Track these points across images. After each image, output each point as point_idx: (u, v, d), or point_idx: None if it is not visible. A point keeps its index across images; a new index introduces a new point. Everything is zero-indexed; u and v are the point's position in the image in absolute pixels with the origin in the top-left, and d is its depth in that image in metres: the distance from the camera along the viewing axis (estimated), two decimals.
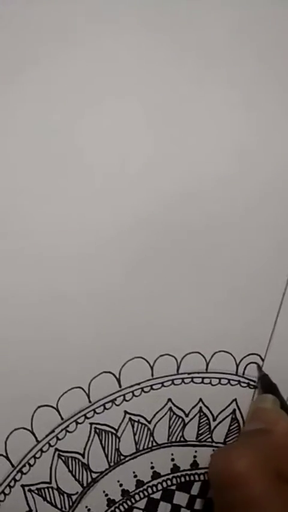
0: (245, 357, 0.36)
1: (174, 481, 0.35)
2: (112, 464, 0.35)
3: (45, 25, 0.35)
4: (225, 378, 0.36)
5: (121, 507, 0.35)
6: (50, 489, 0.34)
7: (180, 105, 0.36)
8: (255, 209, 0.37)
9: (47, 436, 0.34)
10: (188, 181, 0.36)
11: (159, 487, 0.35)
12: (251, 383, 0.36)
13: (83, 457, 0.35)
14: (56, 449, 0.34)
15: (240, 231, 0.37)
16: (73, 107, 0.35)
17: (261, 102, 0.37)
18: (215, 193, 0.37)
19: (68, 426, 0.35)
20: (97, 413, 0.35)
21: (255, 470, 0.29)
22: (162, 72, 0.36)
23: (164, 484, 0.35)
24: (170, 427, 0.36)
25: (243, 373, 0.36)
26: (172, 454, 0.36)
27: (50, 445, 0.34)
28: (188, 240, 0.36)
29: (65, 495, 0.34)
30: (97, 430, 0.35)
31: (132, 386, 0.35)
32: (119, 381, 0.35)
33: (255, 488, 0.28)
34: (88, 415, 0.35)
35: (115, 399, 0.35)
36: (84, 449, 0.35)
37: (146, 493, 0.35)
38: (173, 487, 0.35)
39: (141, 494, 0.35)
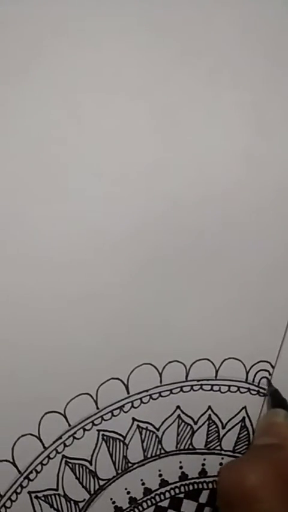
0: (255, 364, 0.36)
1: (182, 489, 0.35)
2: (120, 471, 0.35)
3: (49, 24, 0.35)
4: (235, 386, 0.36)
5: None
6: (57, 496, 0.34)
7: (188, 107, 0.36)
8: (266, 213, 0.37)
9: (54, 442, 0.34)
10: (197, 184, 0.36)
11: (167, 495, 0.35)
12: (261, 391, 0.36)
13: (91, 464, 0.34)
14: (63, 456, 0.34)
15: (250, 234, 0.37)
16: (79, 109, 0.35)
17: (271, 104, 0.37)
18: (224, 196, 0.36)
19: (75, 433, 0.34)
20: (105, 420, 0.35)
21: (266, 486, 0.28)
22: (170, 74, 0.36)
23: (172, 492, 0.35)
24: (178, 435, 0.35)
25: (253, 381, 0.36)
26: (180, 462, 0.35)
27: (57, 452, 0.34)
28: (196, 244, 0.36)
29: (72, 502, 0.34)
30: (105, 437, 0.34)
31: (140, 393, 0.35)
32: (127, 387, 0.35)
33: (266, 505, 0.28)
34: (96, 422, 0.34)
35: (123, 406, 0.35)
36: (92, 456, 0.34)
37: (153, 501, 0.35)
38: (181, 495, 0.35)
39: (148, 502, 0.35)
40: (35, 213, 0.34)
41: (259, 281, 0.36)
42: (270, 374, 0.36)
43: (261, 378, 0.36)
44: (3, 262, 0.34)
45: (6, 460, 0.34)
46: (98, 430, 0.34)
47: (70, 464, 0.34)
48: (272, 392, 0.35)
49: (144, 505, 0.35)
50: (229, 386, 0.36)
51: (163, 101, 0.36)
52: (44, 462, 0.34)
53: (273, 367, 0.36)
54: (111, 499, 0.34)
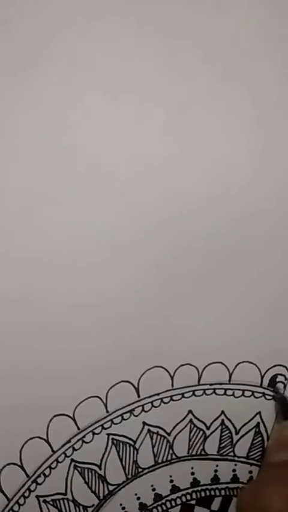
0: (270, 368, 0.35)
1: (193, 495, 0.34)
2: (130, 476, 0.34)
3: (58, 20, 0.34)
4: (249, 390, 0.35)
5: None
6: (66, 500, 0.33)
7: (201, 106, 0.35)
8: (280, 213, 0.36)
9: (63, 446, 0.33)
10: (209, 184, 0.35)
11: (178, 501, 0.34)
12: (275, 400, 0.35)
13: (100, 469, 0.34)
14: (72, 460, 0.34)
15: (265, 234, 0.35)
16: (90, 108, 0.34)
17: (285, 103, 0.36)
18: (237, 196, 0.35)
19: (84, 436, 0.34)
20: (115, 423, 0.34)
21: None
22: (184, 71, 0.35)
23: (183, 499, 0.34)
24: (190, 440, 0.34)
25: (268, 385, 0.35)
26: (192, 468, 0.34)
27: (65, 456, 0.33)
28: (210, 245, 0.35)
29: (81, 507, 0.33)
30: (114, 441, 0.34)
31: (151, 396, 0.34)
32: (137, 390, 0.34)
33: None
34: (105, 426, 0.34)
35: (133, 410, 0.34)
36: (101, 460, 0.34)
37: (164, 507, 0.34)
38: (193, 502, 0.34)
39: (159, 508, 0.34)
40: (45, 215, 0.34)
41: (275, 282, 0.35)
42: (286, 378, 0.35)
43: (277, 383, 0.35)
44: (14, 267, 0.34)
45: (14, 464, 0.33)
46: (108, 434, 0.34)
47: (79, 469, 0.34)
48: (280, 399, 0.34)
49: (155, 511, 0.34)
50: (243, 390, 0.35)
51: (175, 99, 0.35)
52: (53, 466, 0.33)
53: None
54: (120, 504, 0.34)
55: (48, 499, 0.33)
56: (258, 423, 0.35)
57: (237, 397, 0.35)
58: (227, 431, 0.35)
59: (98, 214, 0.34)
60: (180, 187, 0.35)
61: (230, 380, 0.35)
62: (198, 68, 0.35)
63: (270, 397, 0.35)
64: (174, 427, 0.34)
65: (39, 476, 0.33)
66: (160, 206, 0.35)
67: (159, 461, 0.34)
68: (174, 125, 0.35)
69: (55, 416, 0.33)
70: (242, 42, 0.35)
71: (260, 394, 0.35)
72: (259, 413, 0.35)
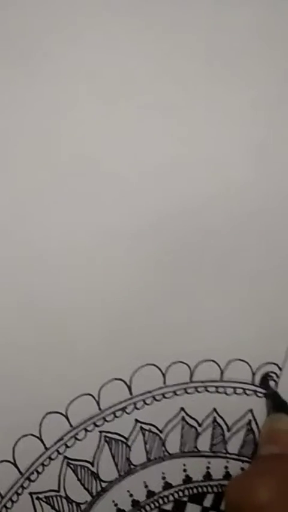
0: (261, 366, 0.35)
1: (186, 492, 0.34)
2: (122, 473, 0.34)
3: (56, 21, 0.34)
4: (241, 388, 0.35)
5: None
6: (59, 497, 0.34)
7: (200, 106, 0.35)
8: (279, 213, 0.36)
9: (55, 443, 0.34)
10: (209, 184, 0.35)
11: (171, 498, 0.34)
12: (266, 396, 0.35)
13: (93, 466, 0.34)
14: (65, 457, 0.34)
15: (262, 235, 0.36)
16: (89, 108, 0.34)
17: (284, 103, 0.36)
18: (237, 196, 0.35)
19: (77, 434, 0.34)
20: (107, 421, 0.34)
21: (278, 500, 0.28)
22: (182, 72, 0.35)
23: (176, 495, 0.34)
24: (182, 437, 0.35)
25: (260, 383, 0.35)
26: (184, 465, 0.35)
27: (58, 453, 0.34)
28: (205, 244, 0.35)
29: (74, 504, 0.34)
30: (107, 439, 0.34)
31: (143, 394, 0.34)
32: (129, 388, 0.34)
33: None
34: (98, 423, 0.34)
35: (126, 407, 0.34)
36: (94, 457, 0.34)
37: (156, 504, 0.34)
38: (185, 499, 0.34)
39: (151, 505, 0.34)
40: (44, 215, 0.34)
41: (267, 281, 0.35)
42: (277, 376, 0.35)
43: (269, 380, 0.35)
44: (9, 264, 0.34)
45: (7, 461, 0.33)
46: (100, 432, 0.34)
47: (72, 466, 0.34)
48: (271, 394, 0.34)
49: (148, 508, 0.34)
50: (235, 388, 0.35)
51: (174, 99, 0.35)
52: (46, 463, 0.34)
53: (280, 369, 0.35)
54: (113, 501, 0.34)
55: (41, 496, 0.33)
56: (250, 420, 0.35)
57: (229, 395, 0.35)
58: (219, 429, 0.35)
59: (97, 214, 0.34)
60: (179, 186, 0.35)
61: (221, 378, 0.35)
62: (197, 69, 0.35)
63: (262, 395, 0.35)
64: (166, 425, 0.34)
65: (32, 473, 0.33)
66: (159, 205, 0.35)
67: (152, 458, 0.34)
68: (173, 124, 0.35)
69: (48, 413, 0.34)
70: (241, 43, 0.35)
71: (252, 392, 0.35)
72: (251, 410, 0.35)
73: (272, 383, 0.35)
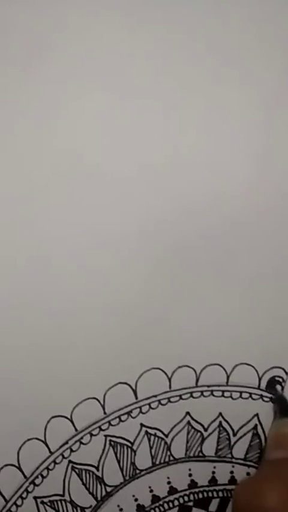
0: (268, 370, 0.35)
1: (191, 497, 0.34)
2: (127, 478, 0.34)
3: (57, 20, 0.34)
4: (247, 392, 0.35)
5: None
6: (63, 502, 0.33)
7: (199, 107, 0.35)
8: (279, 214, 0.36)
9: (60, 447, 0.33)
10: (208, 185, 0.35)
11: (176, 502, 0.34)
12: (273, 400, 0.35)
13: (98, 470, 0.34)
14: (70, 461, 0.34)
15: (264, 236, 0.35)
16: (89, 109, 0.34)
17: (283, 105, 0.35)
18: (236, 197, 0.35)
19: (82, 438, 0.34)
20: (112, 425, 0.34)
21: (286, 504, 0.27)
22: (182, 73, 0.35)
23: (181, 500, 0.34)
24: (187, 442, 0.34)
25: (266, 387, 0.35)
26: (190, 470, 0.34)
27: (63, 457, 0.33)
28: (207, 246, 0.35)
29: (78, 508, 0.34)
30: (112, 443, 0.34)
31: (149, 398, 0.34)
32: (135, 392, 0.34)
33: None
34: (103, 427, 0.34)
35: (131, 411, 0.34)
36: (99, 462, 0.34)
37: (162, 509, 0.34)
38: (190, 503, 0.34)
39: (157, 509, 0.34)
40: (45, 217, 0.34)
41: (273, 284, 0.35)
42: (284, 380, 0.35)
43: (276, 384, 0.35)
44: (11, 266, 0.34)
45: (12, 465, 0.33)
46: (105, 436, 0.34)
47: (76, 470, 0.34)
48: (278, 399, 0.34)
49: None
50: (241, 392, 0.35)
51: (175, 100, 0.35)
52: (50, 467, 0.33)
53: (287, 373, 0.35)
54: (118, 506, 0.34)
55: (45, 500, 0.33)
56: (256, 425, 0.35)
57: (235, 399, 0.35)
58: (225, 433, 0.35)
59: (97, 215, 0.34)
60: (179, 188, 0.35)
61: (227, 382, 0.35)
62: (198, 69, 0.35)
63: (268, 399, 0.35)
64: (171, 429, 0.34)
65: (36, 477, 0.33)
66: (160, 207, 0.35)
67: (157, 462, 0.34)
68: (174, 126, 0.35)
69: (53, 417, 0.33)
70: (242, 44, 0.35)
71: (258, 396, 0.35)
72: (257, 415, 0.35)
73: (278, 387, 0.35)
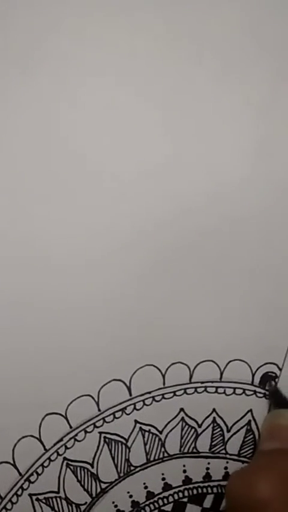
0: (261, 366, 0.35)
1: (186, 493, 0.34)
2: (122, 474, 0.34)
3: (55, 20, 0.34)
4: (240, 388, 0.35)
5: None
6: (58, 499, 0.34)
7: (197, 105, 0.35)
8: (276, 212, 0.36)
9: (55, 444, 0.34)
10: (206, 184, 0.35)
11: (171, 499, 0.34)
12: (268, 393, 0.35)
13: (92, 467, 0.34)
14: (65, 458, 0.34)
15: (259, 234, 0.36)
16: (87, 109, 0.34)
17: (281, 102, 0.36)
18: (234, 195, 0.35)
19: (76, 435, 0.34)
20: (106, 422, 0.34)
21: (278, 495, 0.28)
22: (181, 72, 0.35)
23: (176, 496, 0.34)
24: (182, 438, 0.34)
25: (260, 382, 0.35)
26: (184, 466, 0.35)
27: (58, 454, 0.34)
28: (203, 244, 0.35)
29: (74, 505, 0.34)
30: (106, 440, 0.34)
31: (143, 395, 0.34)
32: (129, 389, 0.34)
33: None
34: (97, 424, 0.34)
35: (125, 408, 0.34)
36: (93, 458, 0.34)
37: (156, 505, 0.34)
38: (185, 499, 0.34)
39: (151, 506, 0.34)
40: (44, 216, 0.34)
41: (266, 281, 0.35)
42: (277, 376, 0.35)
43: (269, 379, 0.35)
44: (8, 264, 0.34)
45: (7, 462, 0.33)
46: (100, 433, 0.34)
47: (71, 467, 0.34)
48: (273, 391, 0.34)
49: (147, 508, 0.34)
50: (234, 388, 0.35)
51: (173, 99, 0.35)
52: (45, 464, 0.33)
53: (280, 369, 0.35)
54: (113, 502, 0.34)
55: (41, 497, 0.33)
56: (250, 421, 0.35)
57: (229, 395, 0.35)
58: (219, 429, 0.35)
59: (95, 214, 0.34)
60: (177, 187, 0.35)
61: (221, 378, 0.35)
62: (196, 69, 0.35)
63: (262, 395, 0.35)
64: (166, 425, 0.34)
65: (31, 474, 0.33)
66: (157, 206, 0.35)
67: (151, 459, 0.34)
68: (171, 125, 0.35)
69: (47, 415, 0.33)
70: (239, 43, 0.35)
71: (251, 392, 0.35)
72: (250, 411, 0.35)
73: (272, 383, 0.35)
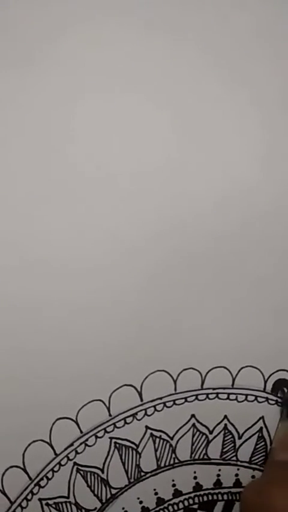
0: (273, 373, 0.35)
1: (196, 499, 0.34)
2: (132, 480, 0.34)
3: (60, 21, 0.34)
4: (252, 395, 0.35)
5: None
6: (68, 504, 0.33)
7: (206, 107, 0.35)
8: (285, 215, 0.35)
9: (65, 449, 0.33)
10: (215, 187, 0.35)
11: (181, 505, 0.34)
12: (280, 400, 0.35)
13: (102, 472, 0.34)
14: (75, 463, 0.34)
15: (270, 237, 0.35)
16: (93, 111, 0.34)
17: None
18: (242, 198, 0.35)
19: (87, 440, 0.34)
20: (117, 427, 0.34)
21: None
22: (188, 75, 0.35)
23: (186, 503, 0.34)
24: (193, 444, 0.34)
25: (272, 390, 0.35)
26: (195, 472, 0.34)
27: (68, 459, 0.33)
28: (213, 248, 0.35)
29: (83, 510, 0.33)
30: (117, 445, 0.34)
31: (154, 400, 0.34)
32: (140, 394, 0.34)
33: None
34: (108, 429, 0.34)
35: (136, 413, 0.34)
36: (104, 464, 0.34)
37: (166, 511, 0.34)
38: (195, 506, 0.34)
39: None
40: (48, 220, 0.34)
41: (278, 287, 0.35)
42: None
43: (278, 380, 0.35)
44: (17, 270, 0.33)
45: (17, 466, 0.33)
46: (111, 438, 0.34)
47: (82, 472, 0.34)
48: (286, 399, 0.34)
49: None
50: (246, 395, 0.35)
51: (180, 102, 0.35)
52: (55, 469, 0.33)
53: None
54: (123, 508, 0.34)
55: (50, 502, 0.33)
56: (261, 428, 0.35)
57: (241, 402, 0.35)
58: (230, 436, 0.34)
59: (102, 218, 0.34)
60: (185, 191, 0.35)
61: (233, 384, 0.35)
62: (203, 72, 0.35)
63: (274, 402, 0.35)
64: (177, 431, 0.34)
65: (42, 479, 0.33)
66: (165, 210, 0.35)
67: (162, 465, 0.34)
68: (179, 128, 0.35)
69: (58, 419, 0.33)
70: (246, 45, 0.35)
71: (263, 399, 0.35)
72: (262, 418, 0.35)
73: (284, 389, 0.35)
